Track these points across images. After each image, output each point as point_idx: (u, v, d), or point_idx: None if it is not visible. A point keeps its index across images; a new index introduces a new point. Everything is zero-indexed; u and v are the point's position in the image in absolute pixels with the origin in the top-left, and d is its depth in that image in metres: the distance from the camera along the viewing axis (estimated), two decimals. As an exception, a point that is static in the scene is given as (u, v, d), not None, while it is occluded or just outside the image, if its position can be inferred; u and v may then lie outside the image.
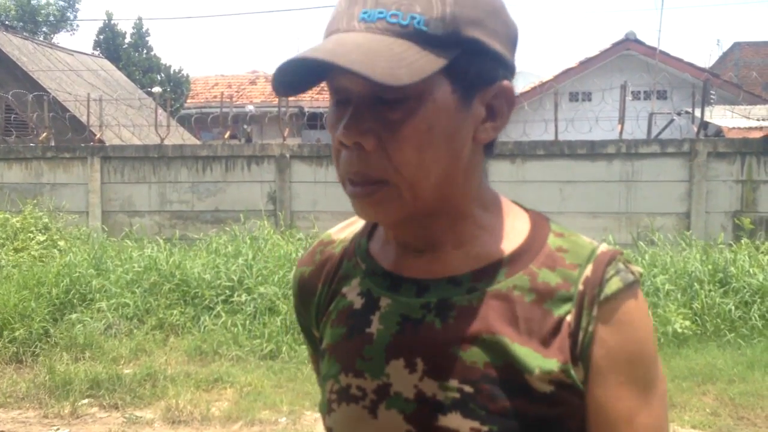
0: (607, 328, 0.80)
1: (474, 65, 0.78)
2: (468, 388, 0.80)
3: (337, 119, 0.80)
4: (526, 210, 0.91)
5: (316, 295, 0.96)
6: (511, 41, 0.83)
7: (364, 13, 0.76)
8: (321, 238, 1.01)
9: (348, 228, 0.99)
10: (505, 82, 0.81)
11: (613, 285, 0.81)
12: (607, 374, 0.80)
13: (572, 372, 0.79)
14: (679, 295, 6.07)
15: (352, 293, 0.91)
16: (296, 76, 0.78)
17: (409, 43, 0.74)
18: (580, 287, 0.81)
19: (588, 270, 0.82)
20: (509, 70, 0.82)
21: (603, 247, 0.85)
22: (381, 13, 0.75)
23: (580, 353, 0.80)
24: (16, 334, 5.66)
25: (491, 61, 0.79)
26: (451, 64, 0.76)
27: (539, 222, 0.89)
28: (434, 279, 0.85)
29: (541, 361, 0.79)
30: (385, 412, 0.83)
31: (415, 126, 0.77)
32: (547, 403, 0.79)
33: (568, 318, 0.80)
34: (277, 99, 11.30)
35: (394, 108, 0.77)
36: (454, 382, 0.80)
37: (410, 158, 0.77)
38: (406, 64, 0.73)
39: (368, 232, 0.95)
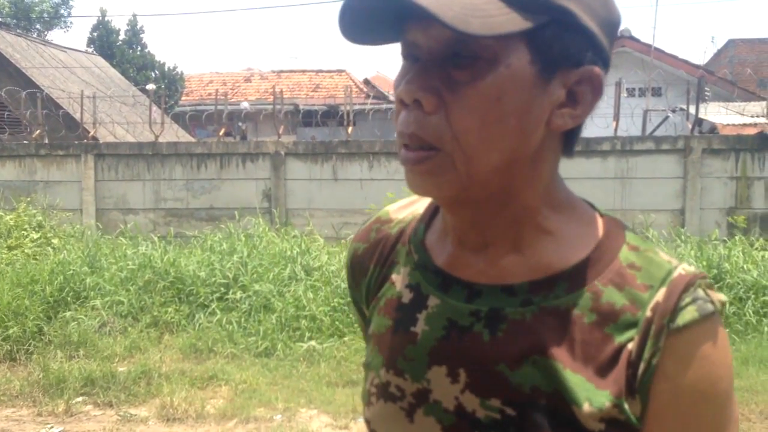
0: (675, 362, 0.71)
1: (560, 39, 0.71)
2: (510, 411, 0.74)
3: (402, 77, 0.74)
4: (602, 215, 0.82)
5: (368, 275, 0.92)
6: (610, 27, 0.75)
7: None
8: (378, 215, 0.95)
9: (408, 208, 0.93)
10: (595, 68, 0.73)
11: (687, 315, 0.71)
12: (670, 413, 0.72)
13: (626, 406, 0.72)
14: (673, 292, 6.09)
15: (401, 283, 0.85)
16: (364, 20, 0.73)
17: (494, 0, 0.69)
18: (648, 313, 0.72)
19: (660, 294, 0.73)
20: (601, 58, 0.74)
21: (682, 269, 0.75)
22: None
23: (639, 386, 0.72)
24: (10, 332, 5.64)
25: (581, 39, 0.72)
26: (534, 32, 0.69)
27: (614, 231, 0.79)
28: (488, 285, 0.78)
29: (592, 392, 0.71)
30: (422, 417, 0.79)
31: (482, 91, 0.70)
32: None
33: (630, 346, 0.72)
34: (272, 96, 11.26)
35: (462, 67, 0.70)
36: (496, 402, 0.74)
37: (471, 126, 0.70)
38: (482, 15, 0.67)
39: (428, 219, 0.88)
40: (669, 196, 8.16)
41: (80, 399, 4.74)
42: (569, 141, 0.79)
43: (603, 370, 0.72)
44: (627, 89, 13.88)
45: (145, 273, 6.57)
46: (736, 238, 7.18)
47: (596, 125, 8.74)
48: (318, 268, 6.68)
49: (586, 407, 0.71)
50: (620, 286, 0.75)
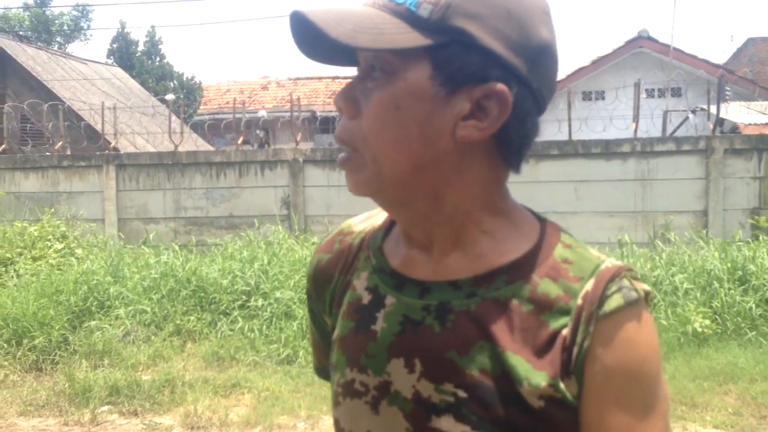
0: (604, 346, 0.78)
1: (461, 57, 0.77)
2: (462, 393, 0.80)
3: None
4: (540, 219, 0.89)
5: (332, 283, 0.98)
6: (525, 51, 0.79)
7: None
8: (341, 228, 1.03)
9: (369, 220, 1.01)
10: (499, 85, 0.77)
11: (613, 302, 0.79)
12: (603, 392, 0.78)
13: (561, 386, 0.78)
14: (698, 294, 6.02)
15: (361, 287, 0.92)
16: (311, 41, 0.81)
17: (397, 20, 0.77)
18: (579, 301, 0.80)
19: (589, 285, 0.80)
20: (513, 76, 0.79)
21: (609, 263, 0.83)
22: None
23: (573, 368, 0.79)
24: (36, 342, 5.70)
25: (482, 57, 0.77)
26: (435, 50, 0.77)
27: (550, 232, 0.87)
28: (436, 281, 0.85)
29: (531, 372, 0.78)
30: (386, 408, 0.85)
31: (382, 100, 0.79)
32: (539, 417, 0.79)
33: (564, 332, 0.79)
34: (289, 104, 11.31)
35: (373, 79, 0.80)
36: (449, 386, 0.81)
37: (375, 130, 0.79)
38: (375, 33, 0.75)
39: (386, 228, 0.95)
40: (691, 198, 8.08)
41: (105, 408, 4.77)
42: (507, 155, 0.84)
43: (540, 353, 0.79)
44: (646, 90, 13.80)
45: (167, 282, 6.62)
46: (761, 238, 7.09)
47: (616, 127, 8.69)
48: (338, 275, 6.69)
49: (525, 385, 0.78)
50: (555, 278, 0.82)
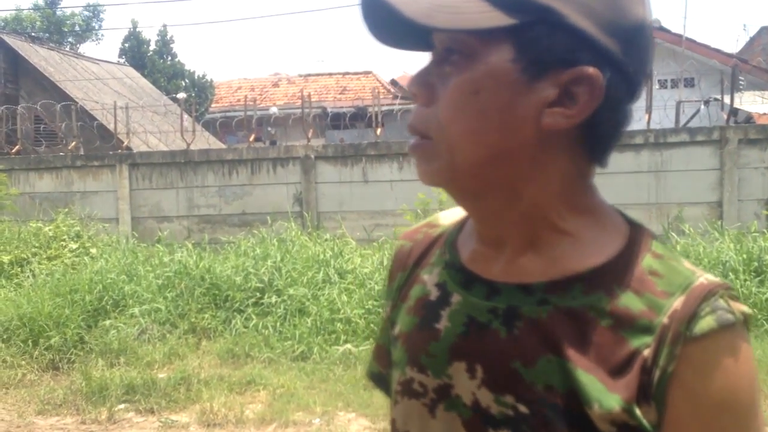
0: (692, 371, 0.70)
1: (547, 38, 0.71)
2: (523, 408, 0.75)
3: None
4: (631, 223, 0.82)
5: (405, 272, 0.94)
6: (619, 30, 0.73)
7: None
8: (429, 220, 0.99)
9: (455, 216, 0.96)
10: (590, 69, 0.71)
11: (705, 324, 0.71)
12: (687, 422, 0.71)
13: (636, 412, 0.71)
14: (713, 286, 5.97)
15: (431, 282, 0.87)
16: (382, 23, 0.76)
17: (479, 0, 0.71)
18: (665, 320, 0.72)
19: (678, 302, 0.72)
20: (605, 59, 0.72)
21: (704, 279, 0.74)
22: None
23: (654, 393, 0.71)
24: (52, 341, 5.74)
25: (571, 38, 0.71)
26: (517, 30, 0.71)
27: (639, 239, 0.80)
28: (506, 283, 0.79)
29: (603, 394, 0.71)
30: (444, 413, 0.80)
31: (460, 85, 0.74)
32: None
33: (646, 352, 0.72)
34: (300, 101, 11.33)
35: (451, 63, 0.75)
36: (509, 399, 0.75)
37: (452, 117, 0.74)
38: (453, 11, 0.70)
39: (463, 222, 0.91)
40: (705, 189, 8.01)
41: (122, 406, 4.81)
42: (594, 146, 0.78)
43: (615, 373, 0.72)
44: (659, 81, 13.70)
45: (181, 280, 6.65)
46: (777, 229, 7.03)
47: (628, 119, 8.62)
48: (351, 271, 6.69)
49: (595, 408, 0.71)
50: (639, 291, 0.74)
